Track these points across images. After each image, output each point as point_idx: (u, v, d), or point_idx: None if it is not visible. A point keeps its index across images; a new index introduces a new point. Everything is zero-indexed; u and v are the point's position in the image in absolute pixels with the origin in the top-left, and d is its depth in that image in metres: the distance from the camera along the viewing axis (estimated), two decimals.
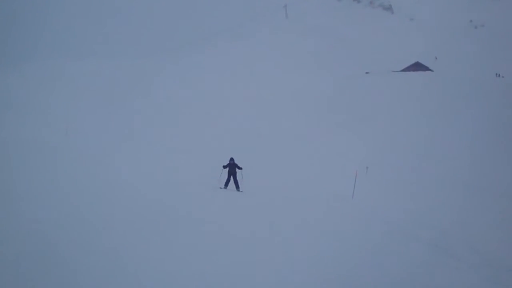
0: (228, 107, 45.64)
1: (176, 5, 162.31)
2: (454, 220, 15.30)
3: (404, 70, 68.21)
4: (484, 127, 37.62)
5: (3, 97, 38.36)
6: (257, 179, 18.59)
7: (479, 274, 9.12)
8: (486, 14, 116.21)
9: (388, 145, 35.33)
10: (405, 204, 18.11)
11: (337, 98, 49.44)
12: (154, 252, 7.45)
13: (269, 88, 52.90)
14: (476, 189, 23.82)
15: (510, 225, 15.98)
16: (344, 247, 9.82)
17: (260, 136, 36.65)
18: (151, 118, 39.48)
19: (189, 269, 6.99)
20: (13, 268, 5.93)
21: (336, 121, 42.51)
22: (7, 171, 13.36)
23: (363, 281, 7.81)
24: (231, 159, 17.62)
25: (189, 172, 20.92)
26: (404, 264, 9.13)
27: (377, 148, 34.21)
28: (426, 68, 68.97)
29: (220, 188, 17.15)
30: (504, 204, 20.45)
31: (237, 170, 17.44)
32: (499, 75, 64.82)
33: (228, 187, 17.37)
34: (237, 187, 17.32)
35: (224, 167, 17.51)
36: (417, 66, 69.60)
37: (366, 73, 65.00)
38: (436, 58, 71.72)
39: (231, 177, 17.38)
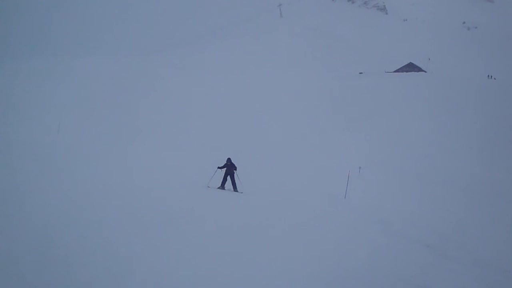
0: (222, 106, 45.55)
1: (176, 6, 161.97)
2: (449, 221, 15.35)
3: (397, 70, 68.63)
4: (476, 128, 37.90)
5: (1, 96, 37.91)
6: (251, 179, 18.50)
7: (473, 275, 9.15)
8: (479, 16, 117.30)
9: (381, 145, 35.46)
10: (399, 204, 18.15)
11: (330, 98, 49.54)
12: (153, 251, 7.45)
13: (260, 87, 52.86)
14: (471, 189, 23.93)
15: (505, 226, 16.07)
16: (337, 248, 9.83)
17: (253, 136, 36.64)
18: (151, 118, 39.25)
19: (187, 268, 6.99)
20: (12, 266, 5.91)
21: (328, 121, 42.61)
22: (3, 170, 13.23)
23: (356, 281, 7.80)
24: (228, 159, 17.22)
25: (186, 171, 20.79)
26: (398, 265, 9.15)
27: (370, 149, 34.32)
28: (419, 69, 69.49)
29: (208, 187, 16.71)
30: (500, 205, 20.56)
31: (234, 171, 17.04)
32: (491, 76, 65.39)
33: (226, 188, 16.89)
34: (235, 188, 16.93)
35: (220, 168, 17.10)
36: (410, 67, 70.09)
37: (360, 73, 65.29)
38: (429, 59, 72.24)
39: (228, 177, 16.99)
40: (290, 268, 7.82)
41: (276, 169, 24.97)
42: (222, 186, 16.98)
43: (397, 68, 70.66)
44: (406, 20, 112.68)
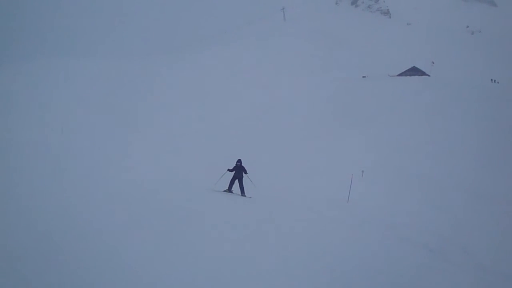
0: (224, 109, 45.64)
1: (175, 7, 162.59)
2: (450, 224, 15.33)
3: (400, 74, 68.46)
4: (479, 131, 37.74)
5: (1, 96, 38.15)
6: (254, 182, 18.46)
7: (473, 278, 9.14)
8: (483, 20, 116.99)
9: (384, 149, 35.36)
10: (401, 208, 18.11)
11: (333, 101, 49.50)
12: (153, 250, 7.48)
13: (263, 90, 52.95)
14: (473, 193, 23.84)
15: (506, 230, 16.01)
16: (339, 250, 9.83)
17: (255, 139, 36.67)
18: (151, 117, 39.36)
19: (189, 269, 7.02)
20: (12, 265, 5.92)
21: (331, 125, 42.56)
22: (4, 169, 13.29)
23: (357, 283, 7.80)
24: (239, 160, 16.04)
25: (186, 171, 20.82)
26: (399, 267, 9.14)
27: (373, 153, 34.23)
28: (422, 73, 69.29)
29: (214, 190, 15.97)
30: (501, 209, 20.48)
31: (243, 174, 15.94)
32: (494, 80, 65.15)
33: (234, 191, 16.04)
34: (242, 192, 16.00)
35: (230, 170, 16.00)
36: (414, 71, 69.91)
37: (363, 77, 65.18)
38: (433, 63, 72.07)
39: (237, 181, 15.98)
40: (290, 269, 7.83)
41: (277, 172, 24.96)
42: (229, 190, 16.09)
43: (401, 72, 70.46)
44: (410, 24, 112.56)
